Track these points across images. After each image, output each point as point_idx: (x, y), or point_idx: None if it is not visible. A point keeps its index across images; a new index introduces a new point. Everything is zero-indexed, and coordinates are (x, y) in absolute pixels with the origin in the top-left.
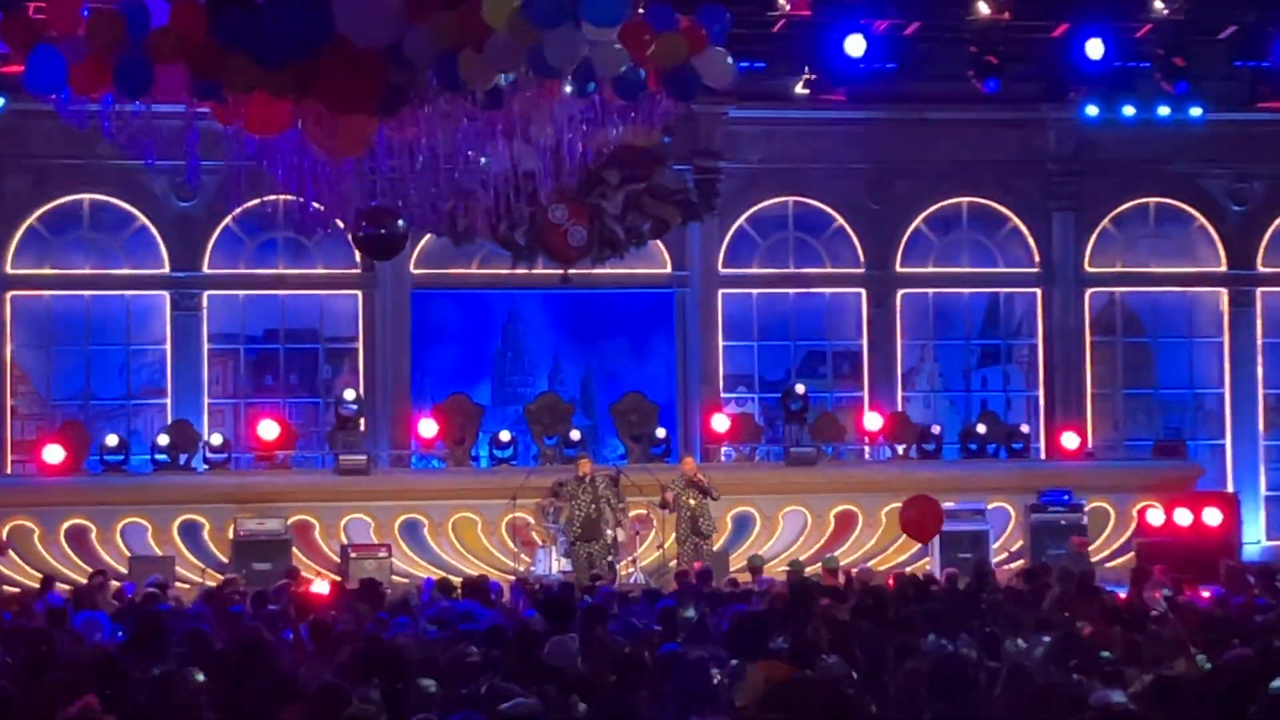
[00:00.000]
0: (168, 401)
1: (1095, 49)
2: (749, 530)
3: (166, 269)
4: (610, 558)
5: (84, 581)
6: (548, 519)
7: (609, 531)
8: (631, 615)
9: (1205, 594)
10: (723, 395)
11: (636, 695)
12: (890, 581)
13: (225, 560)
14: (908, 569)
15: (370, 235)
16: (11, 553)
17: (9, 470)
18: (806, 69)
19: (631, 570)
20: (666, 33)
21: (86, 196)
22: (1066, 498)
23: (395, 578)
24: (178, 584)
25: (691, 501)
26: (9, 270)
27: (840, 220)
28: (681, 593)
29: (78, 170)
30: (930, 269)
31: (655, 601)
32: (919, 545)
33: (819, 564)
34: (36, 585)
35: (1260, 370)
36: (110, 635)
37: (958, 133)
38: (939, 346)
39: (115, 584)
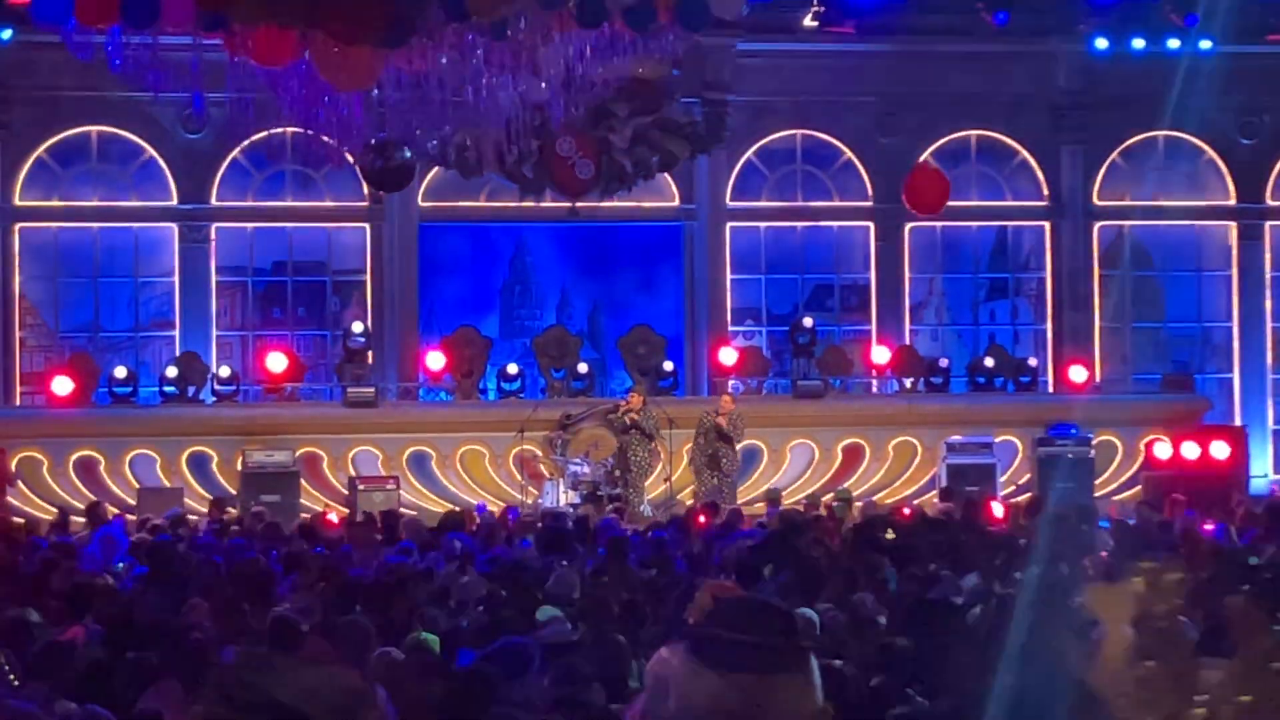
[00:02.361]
0: (176, 334)
1: None
2: (757, 463)
3: (174, 201)
4: (615, 489)
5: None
6: (555, 451)
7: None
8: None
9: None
10: (730, 328)
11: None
12: (905, 513)
13: (233, 492)
14: (915, 501)
15: (378, 167)
16: (20, 483)
17: (18, 402)
18: (815, 1)
19: (640, 503)
20: None
21: (94, 128)
22: (1074, 431)
23: (403, 510)
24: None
25: (718, 438)
26: (17, 202)
27: (848, 153)
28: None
29: (85, 102)
30: None
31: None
32: (927, 477)
33: (827, 496)
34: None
35: (1269, 304)
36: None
37: (966, 66)
38: (947, 280)
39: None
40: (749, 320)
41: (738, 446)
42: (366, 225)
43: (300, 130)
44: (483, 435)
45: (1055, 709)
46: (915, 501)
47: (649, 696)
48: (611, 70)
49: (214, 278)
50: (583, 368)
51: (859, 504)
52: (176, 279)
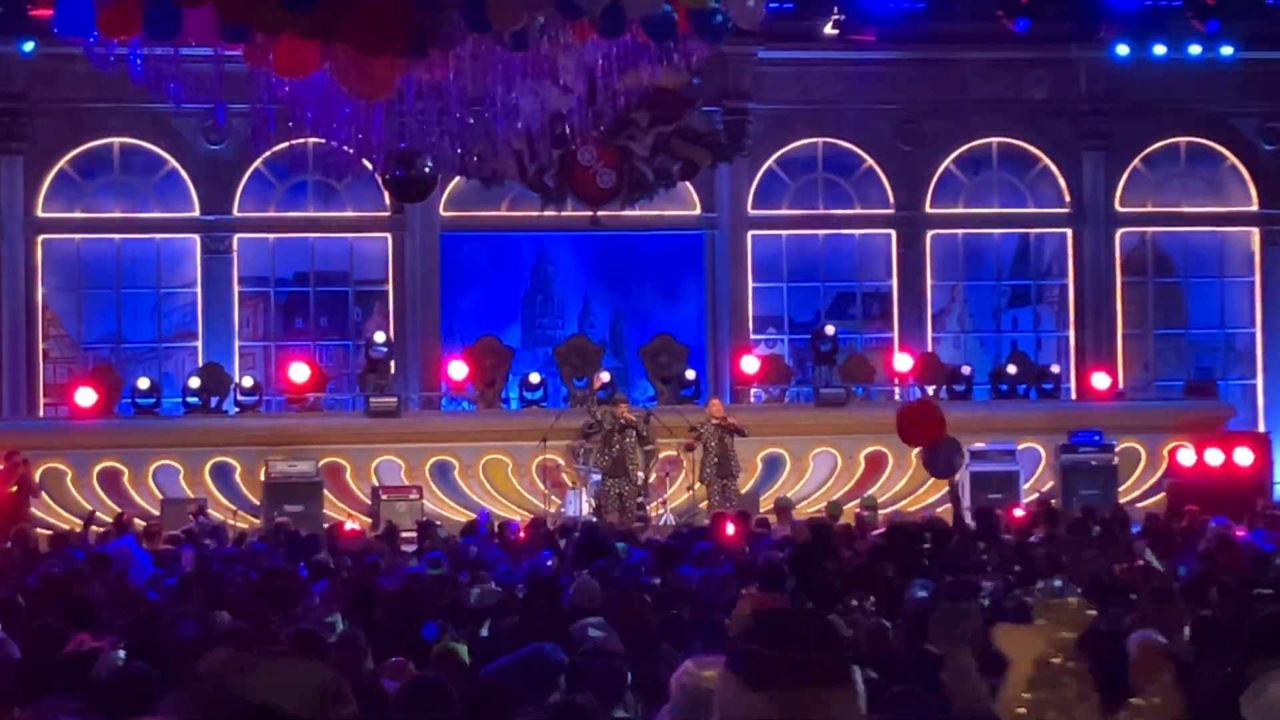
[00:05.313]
0: (199, 344)
1: None
2: (779, 471)
3: (197, 212)
4: (640, 499)
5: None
6: (578, 460)
7: (639, 473)
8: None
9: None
10: (752, 337)
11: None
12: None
13: (257, 502)
14: (937, 510)
15: (399, 178)
16: (44, 495)
17: (41, 413)
18: (836, 9)
19: (662, 511)
20: None
21: (116, 140)
22: (1097, 438)
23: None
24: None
25: (724, 442)
26: (40, 214)
27: (870, 161)
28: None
29: (107, 114)
30: (960, 209)
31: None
32: (948, 486)
33: (853, 503)
34: (69, 528)
35: None
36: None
37: (988, 73)
38: (969, 287)
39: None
40: (771, 328)
41: (746, 439)
42: (388, 235)
43: (321, 141)
44: (505, 445)
45: None
46: (937, 510)
47: (676, 708)
48: (632, 79)
49: (236, 288)
50: (605, 376)
51: (884, 513)
52: (199, 290)
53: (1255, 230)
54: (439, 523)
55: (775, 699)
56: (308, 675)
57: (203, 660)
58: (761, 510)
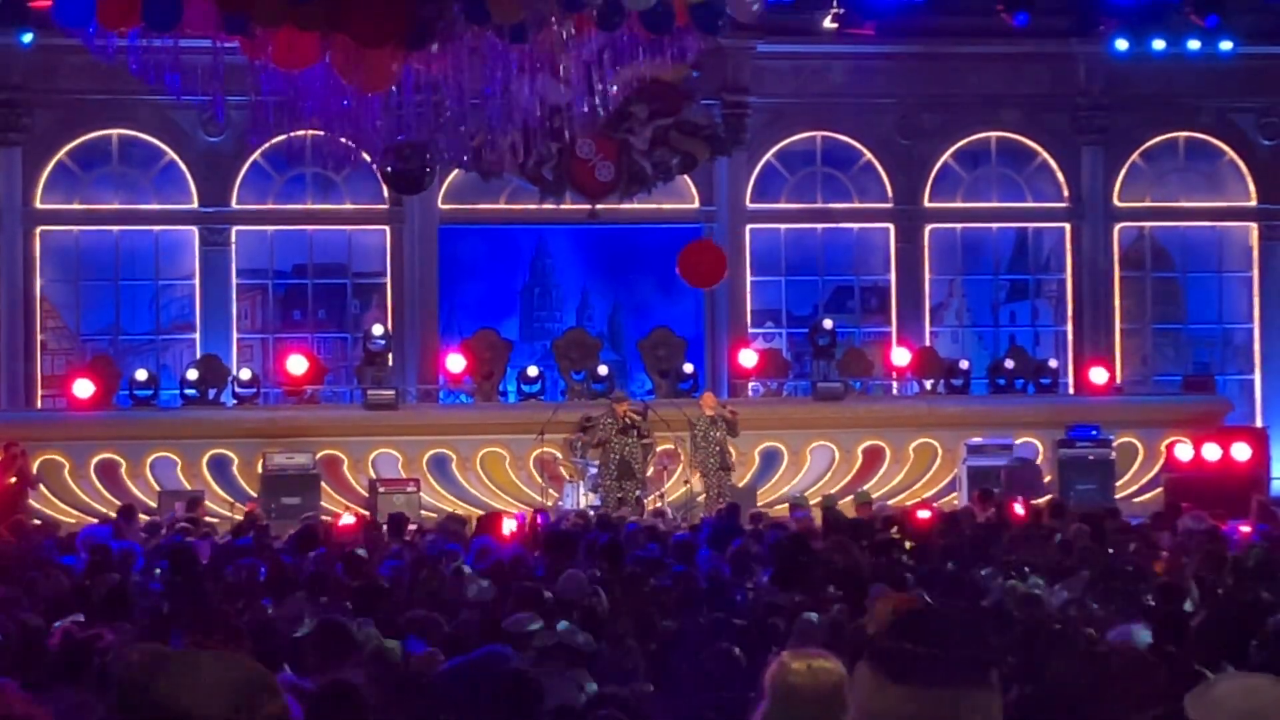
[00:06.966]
0: (196, 336)
1: None
2: (777, 465)
3: (195, 204)
4: (638, 492)
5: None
6: (575, 454)
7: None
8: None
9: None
10: (750, 330)
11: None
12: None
13: (254, 495)
14: (935, 504)
15: (398, 170)
16: (42, 487)
17: (39, 405)
18: (835, 2)
19: (658, 505)
20: None
21: (115, 132)
22: (1094, 433)
23: (424, 512)
24: (207, 518)
25: (719, 434)
26: (38, 205)
27: (868, 155)
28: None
29: (106, 105)
30: (959, 204)
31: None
32: (947, 479)
33: (848, 499)
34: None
35: None
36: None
37: (987, 67)
38: (967, 281)
39: (144, 517)
40: (769, 322)
41: (737, 437)
42: (386, 228)
43: (320, 133)
44: (503, 437)
45: None
46: (936, 504)
47: (768, 702)
48: (630, 72)
49: (234, 280)
50: (603, 370)
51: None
52: (197, 282)
53: (1253, 225)
54: (435, 514)
55: (919, 695)
56: (227, 673)
57: (120, 660)
58: (759, 505)
